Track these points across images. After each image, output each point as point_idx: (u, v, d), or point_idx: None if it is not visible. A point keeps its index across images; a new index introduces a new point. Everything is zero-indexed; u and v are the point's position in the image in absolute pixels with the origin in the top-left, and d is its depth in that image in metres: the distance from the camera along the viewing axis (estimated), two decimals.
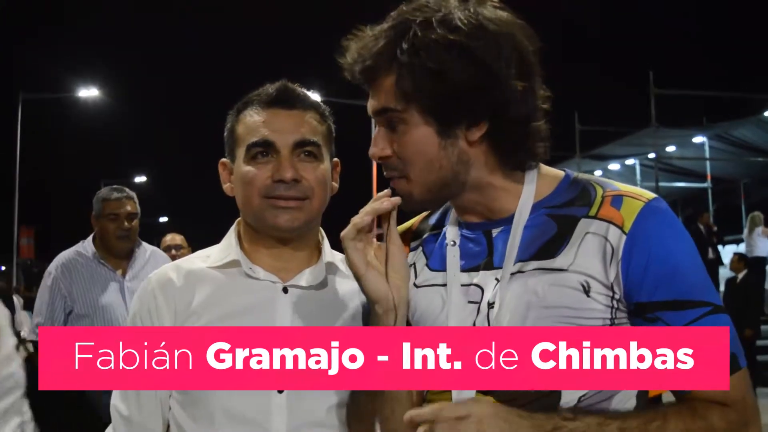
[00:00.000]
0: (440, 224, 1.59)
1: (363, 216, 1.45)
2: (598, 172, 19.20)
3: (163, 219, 39.79)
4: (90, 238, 4.20)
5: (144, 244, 4.34)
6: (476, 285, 1.45)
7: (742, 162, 17.62)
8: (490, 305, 1.41)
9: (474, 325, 1.42)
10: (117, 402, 1.67)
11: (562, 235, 1.40)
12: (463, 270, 1.48)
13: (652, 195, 1.41)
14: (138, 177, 36.99)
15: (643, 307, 1.34)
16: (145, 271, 4.09)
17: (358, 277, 1.47)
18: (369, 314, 1.51)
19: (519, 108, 1.38)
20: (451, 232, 1.53)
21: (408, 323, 1.53)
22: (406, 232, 1.64)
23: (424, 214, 1.68)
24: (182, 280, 1.68)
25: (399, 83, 1.37)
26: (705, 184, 16.64)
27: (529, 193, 1.46)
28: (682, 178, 17.73)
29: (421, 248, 1.59)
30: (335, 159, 1.75)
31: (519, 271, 1.40)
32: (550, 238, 1.41)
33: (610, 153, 18.14)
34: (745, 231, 13.08)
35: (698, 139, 16.87)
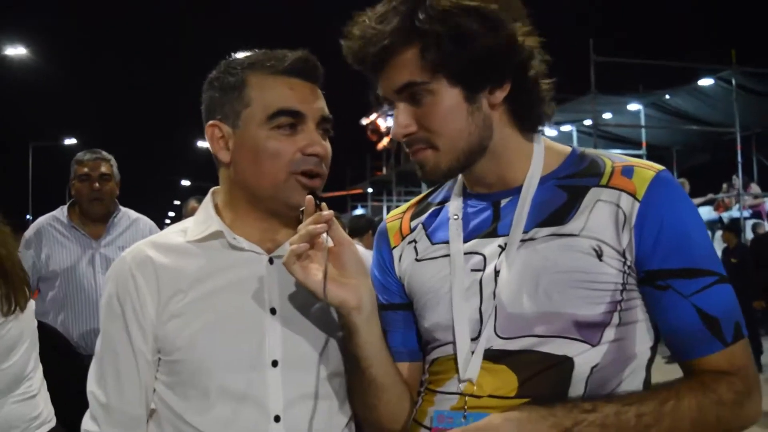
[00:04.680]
0: (445, 200, 1.59)
1: (299, 243, 1.40)
2: None
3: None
4: (68, 203, 4.13)
5: (128, 210, 4.23)
6: (478, 253, 1.45)
7: (675, 130, 17.96)
8: (497, 273, 1.40)
9: (480, 292, 1.42)
10: (93, 387, 1.55)
11: (572, 202, 1.41)
12: (466, 240, 1.48)
13: (660, 166, 1.42)
14: (68, 139, 35.81)
15: (655, 275, 1.36)
16: (124, 239, 4.06)
17: (311, 292, 1.42)
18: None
19: (535, 66, 1.42)
20: (454, 206, 1.54)
21: (410, 298, 1.55)
22: (404, 214, 1.65)
23: (424, 194, 1.69)
24: (162, 257, 1.56)
25: (424, 53, 1.36)
26: (640, 151, 16.90)
27: (538, 161, 1.47)
28: (618, 145, 17.98)
29: (421, 225, 1.59)
30: None
31: (529, 239, 1.40)
32: (559, 206, 1.42)
33: None
34: None
35: (634, 107, 17.13)
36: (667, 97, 16.26)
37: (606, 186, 1.40)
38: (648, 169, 1.41)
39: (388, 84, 1.42)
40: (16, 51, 25.00)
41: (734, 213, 14.73)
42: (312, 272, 1.41)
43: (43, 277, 3.98)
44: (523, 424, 1.27)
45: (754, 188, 16.30)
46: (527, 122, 1.47)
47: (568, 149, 1.51)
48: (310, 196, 1.44)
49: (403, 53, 1.37)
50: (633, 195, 1.37)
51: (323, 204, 1.44)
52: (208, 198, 1.66)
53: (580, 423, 1.26)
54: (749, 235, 13.27)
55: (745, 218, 14.18)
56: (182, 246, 1.59)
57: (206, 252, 1.57)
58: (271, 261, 1.58)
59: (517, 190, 1.45)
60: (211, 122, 1.59)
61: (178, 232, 1.63)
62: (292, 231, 1.59)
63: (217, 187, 1.67)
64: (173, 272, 1.54)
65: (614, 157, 1.47)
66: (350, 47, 1.42)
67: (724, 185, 16.56)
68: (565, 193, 1.43)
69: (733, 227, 12.08)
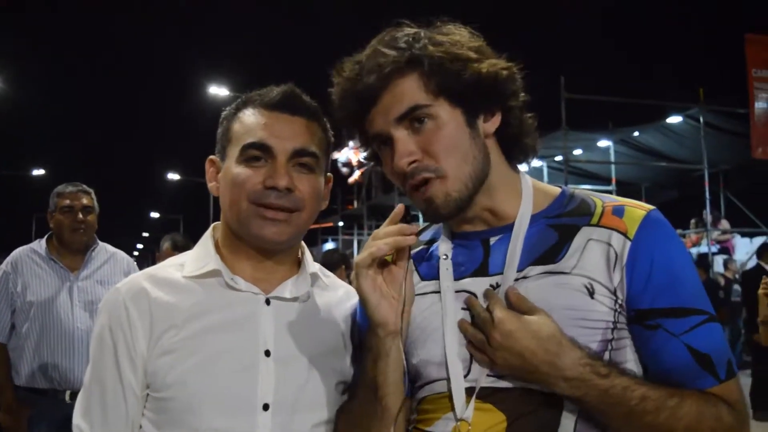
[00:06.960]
0: (434, 239, 1.59)
1: (381, 246, 1.36)
2: None
3: None
4: (46, 236, 4.13)
5: (105, 244, 4.22)
6: (469, 292, 1.44)
7: (644, 166, 18.21)
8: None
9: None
10: (79, 420, 1.50)
11: (564, 242, 1.41)
12: (456, 279, 1.47)
13: (651, 206, 1.44)
14: (36, 170, 35.34)
15: (644, 314, 1.36)
16: (102, 272, 4.06)
17: (364, 302, 1.39)
18: (367, 331, 1.47)
19: (521, 98, 1.47)
20: (444, 247, 1.53)
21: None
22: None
23: None
24: (157, 291, 1.52)
25: (427, 77, 1.38)
26: (610, 187, 17.11)
27: (527, 199, 1.47)
28: (588, 181, 18.18)
29: (411, 260, 1.55)
30: (329, 174, 1.64)
31: (522, 277, 1.40)
32: (551, 245, 1.42)
33: None
34: None
35: (604, 143, 17.35)
36: (636, 134, 16.49)
37: (597, 225, 1.42)
38: (638, 208, 1.42)
39: (386, 114, 1.41)
40: None
41: (702, 248, 14.89)
42: (373, 282, 1.39)
43: (18, 308, 3.94)
44: (556, 340, 1.30)
45: (724, 224, 16.53)
46: (515, 154, 1.50)
47: (558, 189, 1.53)
48: (402, 204, 1.42)
49: (404, 80, 1.40)
50: (624, 234, 1.38)
51: (414, 223, 1.41)
52: (208, 233, 1.64)
53: (587, 381, 1.27)
54: (717, 269, 13.46)
55: (713, 254, 14.34)
56: (179, 281, 1.55)
57: (203, 288, 1.54)
58: (267, 302, 1.55)
59: (507, 228, 1.45)
60: (210, 157, 1.61)
61: (175, 266, 1.60)
62: (287, 271, 1.59)
63: (218, 222, 1.65)
64: (168, 307, 1.51)
65: (604, 197, 1.49)
66: (346, 79, 1.42)
67: (692, 221, 16.74)
68: (556, 232, 1.43)
69: (702, 263, 12.22)
